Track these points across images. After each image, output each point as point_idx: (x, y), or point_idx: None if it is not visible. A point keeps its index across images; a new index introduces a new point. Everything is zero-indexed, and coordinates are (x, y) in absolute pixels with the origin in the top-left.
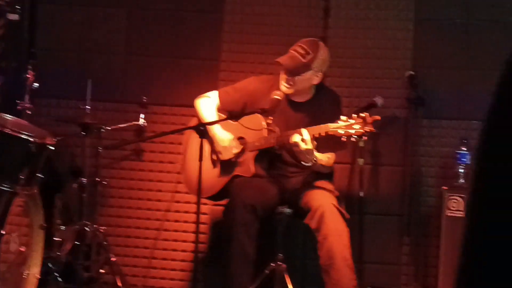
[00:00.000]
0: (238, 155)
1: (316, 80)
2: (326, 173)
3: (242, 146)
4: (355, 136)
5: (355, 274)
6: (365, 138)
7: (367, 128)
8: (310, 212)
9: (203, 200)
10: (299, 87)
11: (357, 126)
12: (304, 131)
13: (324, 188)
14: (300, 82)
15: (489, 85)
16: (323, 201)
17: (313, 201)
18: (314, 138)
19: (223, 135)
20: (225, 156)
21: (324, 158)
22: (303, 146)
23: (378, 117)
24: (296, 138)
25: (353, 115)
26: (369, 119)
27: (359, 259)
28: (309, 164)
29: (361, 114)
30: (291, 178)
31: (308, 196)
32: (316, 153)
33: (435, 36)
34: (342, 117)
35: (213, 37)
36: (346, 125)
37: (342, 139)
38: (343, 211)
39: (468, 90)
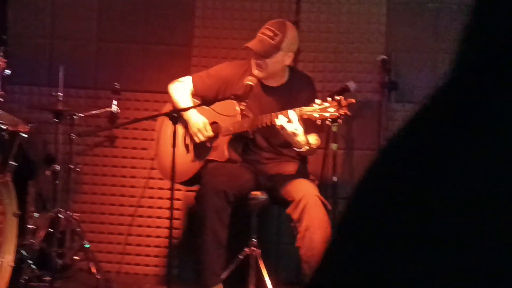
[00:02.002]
0: (212, 139)
1: (287, 61)
2: (301, 159)
3: (216, 131)
4: (330, 120)
5: None
6: (340, 121)
7: (342, 111)
8: (293, 202)
9: (177, 186)
10: (271, 70)
11: (332, 110)
12: (291, 112)
13: (305, 177)
14: (271, 65)
15: None
16: (306, 191)
17: (295, 191)
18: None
19: (196, 118)
20: (199, 138)
21: (315, 141)
22: (289, 128)
23: (353, 100)
24: (281, 120)
25: (328, 98)
26: (344, 102)
27: None
28: (303, 150)
29: (336, 97)
30: (265, 164)
31: (290, 186)
32: (309, 136)
33: (407, 20)
34: (317, 101)
35: (185, 22)
36: (321, 108)
37: (317, 122)
38: (326, 202)
39: (440, 73)
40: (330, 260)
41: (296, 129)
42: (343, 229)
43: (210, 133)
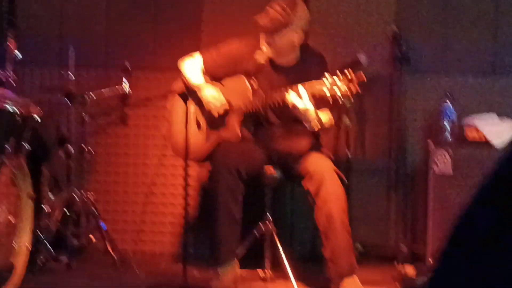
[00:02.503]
0: (223, 117)
1: (296, 38)
2: (313, 134)
3: (227, 102)
4: (341, 97)
5: (351, 237)
6: (351, 98)
7: (353, 88)
8: (308, 176)
9: (190, 163)
10: (279, 47)
11: (342, 87)
12: (301, 87)
13: (320, 152)
14: (279, 41)
15: (472, 39)
16: (321, 165)
17: (310, 165)
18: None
19: (209, 92)
20: (216, 108)
21: (327, 119)
22: (300, 105)
23: (363, 77)
24: (292, 97)
25: (338, 72)
26: (354, 78)
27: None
28: (315, 128)
29: (347, 73)
30: (278, 140)
31: (305, 162)
32: (321, 113)
33: None
34: (327, 75)
35: None
36: (332, 85)
37: (329, 101)
38: (342, 175)
39: (451, 45)
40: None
41: (306, 105)
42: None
43: (224, 100)
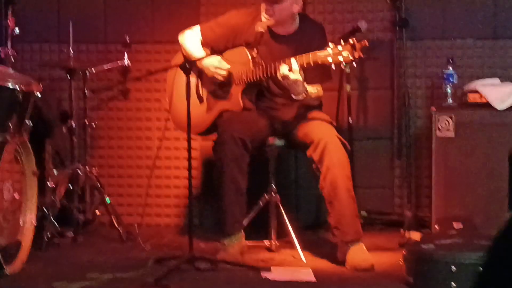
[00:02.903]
0: (226, 88)
1: (296, 8)
2: (318, 105)
3: (229, 80)
4: (345, 64)
5: (356, 204)
6: (354, 65)
7: (356, 54)
8: (312, 144)
9: (193, 136)
10: (279, 17)
11: (345, 53)
12: (293, 60)
13: (321, 119)
14: (279, 11)
15: (472, 3)
16: (325, 132)
17: (313, 133)
18: (302, 69)
19: (210, 60)
20: (220, 74)
21: (314, 90)
22: (292, 76)
23: (366, 43)
24: (283, 69)
25: (341, 41)
26: (357, 45)
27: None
28: (300, 98)
29: (350, 41)
30: (280, 110)
31: (307, 128)
32: (306, 85)
33: None
34: (330, 44)
35: None
36: (335, 53)
37: (332, 67)
38: (345, 142)
39: (451, 9)
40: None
41: (296, 78)
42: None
43: (226, 66)
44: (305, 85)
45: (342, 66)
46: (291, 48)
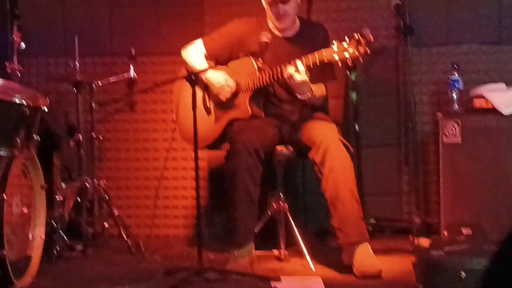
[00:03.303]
0: (233, 97)
1: (299, 1)
2: (322, 107)
3: (235, 83)
4: (351, 60)
5: (361, 206)
6: (361, 60)
7: (362, 49)
8: (314, 146)
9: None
10: (292, 16)
11: (351, 49)
12: (298, 62)
13: (324, 120)
14: (290, 9)
15: (477, 8)
16: (326, 134)
17: (316, 135)
18: (308, 69)
19: (215, 76)
20: (225, 91)
21: (318, 90)
22: (297, 77)
23: (371, 38)
24: (290, 70)
25: (346, 38)
26: (362, 40)
27: (359, 192)
28: (305, 97)
29: (355, 35)
30: (288, 116)
31: (310, 131)
32: (311, 85)
33: None
34: (335, 42)
35: None
36: (340, 49)
37: (339, 66)
38: (347, 144)
39: (455, 15)
40: None
41: (303, 79)
42: None
43: (232, 84)
44: (310, 85)
45: (349, 63)
46: (297, 49)
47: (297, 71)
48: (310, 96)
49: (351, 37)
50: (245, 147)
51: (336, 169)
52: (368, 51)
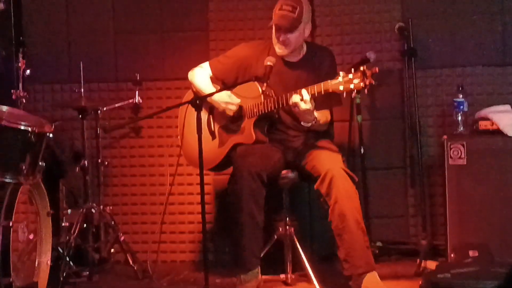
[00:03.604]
0: (238, 122)
1: (307, 32)
2: (327, 133)
3: (240, 114)
4: (356, 91)
5: (367, 236)
6: (366, 92)
7: (367, 81)
8: (319, 177)
9: (206, 171)
10: (295, 45)
11: (356, 81)
12: (304, 91)
13: (328, 149)
14: (294, 39)
15: (480, 30)
16: (331, 165)
17: (320, 165)
18: (313, 97)
19: (220, 95)
20: (231, 110)
21: (323, 116)
22: (302, 106)
23: (376, 70)
24: (295, 98)
25: (352, 70)
26: (368, 72)
27: (365, 215)
28: (309, 125)
29: (360, 68)
30: (292, 142)
31: (314, 160)
32: (315, 113)
33: None
34: (341, 73)
35: (199, 7)
36: (346, 81)
37: (343, 95)
38: (352, 174)
39: (459, 37)
40: None
41: (307, 108)
42: None
43: (237, 100)
44: (315, 113)
45: (354, 94)
46: (302, 74)
47: (302, 100)
48: (314, 123)
49: (357, 69)
50: (248, 172)
51: (342, 200)
52: (374, 83)
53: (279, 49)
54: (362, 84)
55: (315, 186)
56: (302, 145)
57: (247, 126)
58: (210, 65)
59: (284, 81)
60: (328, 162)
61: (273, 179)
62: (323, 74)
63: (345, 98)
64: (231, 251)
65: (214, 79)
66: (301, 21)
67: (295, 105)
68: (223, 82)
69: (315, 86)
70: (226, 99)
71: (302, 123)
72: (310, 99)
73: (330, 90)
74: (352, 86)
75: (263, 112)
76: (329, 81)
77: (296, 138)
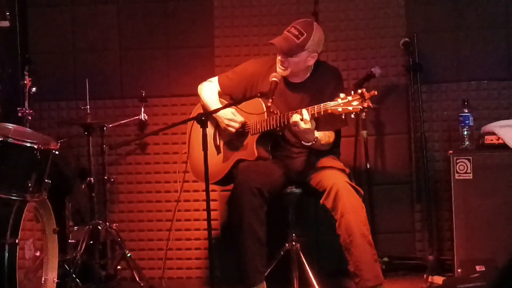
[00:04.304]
0: (241, 138)
1: (311, 61)
2: (332, 150)
3: (243, 118)
4: (354, 113)
5: (375, 249)
6: (364, 114)
7: (365, 104)
8: (324, 192)
9: (212, 187)
10: (294, 69)
11: (355, 103)
12: (304, 111)
13: (333, 167)
14: (294, 64)
15: (484, 44)
16: (336, 179)
17: (325, 181)
18: (313, 117)
19: (223, 112)
20: (233, 127)
21: (325, 137)
22: (302, 125)
23: (375, 93)
24: (295, 118)
25: (352, 92)
26: (366, 95)
27: (372, 231)
28: (309, 144)
29: (359, 91)
30: (295, 159)
31: (319, 176)
32: (316, 133)
33: (426, 1)
34: (341, 95)
35: (204, 24)
36: (345, 103)
37: (342, 117)
38: (358, 188)
39: (464, 51)
40: None
41: (306, 128)
42: None
43: (240, 118)
44: (316, 133)
45: (352, 116)
46: (306, 96)
47: (302, 120)
48: (314, 143)
49: (358, 89)
50: (248, 187)
51: (348, 214)
52: (372, 106)
53: (278, 68)
54: (360, 107)
55: (320, 201)
56: (306, 162)
57: (250, 143)
58: (219, 80)
59: (287, 102)
60: (332, 177)
61: (276, 195)
62: (327, 95)
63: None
64: (236, 267)
65: (222, 94)
66: (305, 49)
67: (295, 124)
68: (230, 97)
69: (315, 107)
70: (230, 116)
71: (302, 142)
72: (310, 119)
73: (329, 111)
74: (350, 108)
75: (266, 129)
76: (328, 102)
77: (300, 156)
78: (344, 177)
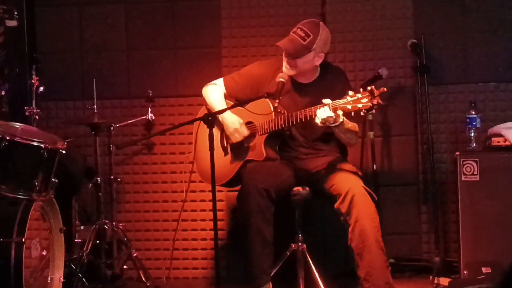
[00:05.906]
0: (248, 139)
1: (318, 61)
2: (344, 154)
3: (250, 131)
4: (364, 110)
5: (386, 256)
6: (373, 111)
7: (375, 101)
8: (339, 196)
9: (218, 187)
10: (300, 70)
11: (364, 100)
12: (326, 100)
13: (347, 170)
14: (301, 64)
15: (491, 46)
16: (351, 184)
17: (340, 185)
18: None
19: (232, 119)
20: (236, 138)
21: (349, 123)
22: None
23: (384, 89)
24: (319, 116)
25: (360, 89)
26: (376, 92)
27: None
28: (337, 123)
29: (368, 88)
30: (304, 159)
31: (333, 179)
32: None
33: (433, 2)
34: (350, 92)
35: (212, 24)
36: (354, 100)
37: (351, 114)
38: (372, 193)
39: (471, 53)
40: None
41: (333, 116)
42: None
43: (246, 132)
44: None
45: (362, 113)
46: (314, 96)
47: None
48: (341, 122)
49: (368, 86)
50: (255, 188)
51: (363, 220)
52: (382, 103)
53: (285, 68)
54: (369, 103)
55: (335, 206)
56: (317, 163)
57: (258, 143)
58: (224, 82)
59: (295, 102)
60: (348, 182)
61: (283, 195)
62: (335, 95)
63: (356, 116)
64: (242, 267)
65: (227, 96)
66: (311, 50)
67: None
68: (236, 99)
69: (325, 106)
70: (237, 126)
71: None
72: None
73: (338, 109)
74: (360, 105)
75: (274, 129)
76: (337, 100)
77: (308, 156)
78: (359, 182)
